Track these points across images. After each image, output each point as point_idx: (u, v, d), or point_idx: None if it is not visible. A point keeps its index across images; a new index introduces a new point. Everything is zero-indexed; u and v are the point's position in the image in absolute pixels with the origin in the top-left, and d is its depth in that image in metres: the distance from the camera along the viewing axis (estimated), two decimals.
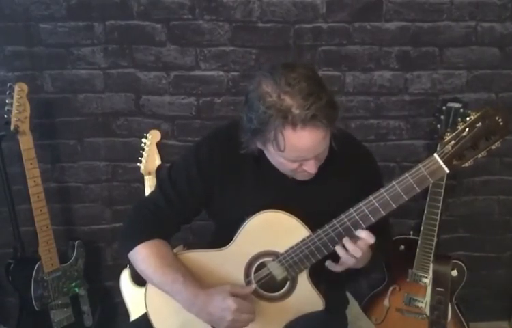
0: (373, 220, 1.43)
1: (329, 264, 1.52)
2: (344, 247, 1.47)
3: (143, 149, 2.43)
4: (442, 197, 2.29)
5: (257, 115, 1.37)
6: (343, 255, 1.47)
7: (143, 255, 1.58)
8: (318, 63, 2.42)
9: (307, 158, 1.43)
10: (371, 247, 1.50)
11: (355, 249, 1.45)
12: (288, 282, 1.58)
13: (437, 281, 2.34)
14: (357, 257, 1.46)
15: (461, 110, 2.20)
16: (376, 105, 2.52)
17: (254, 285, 1.59)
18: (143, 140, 2.44)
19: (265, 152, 1.51)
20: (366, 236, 1.45)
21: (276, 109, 1.33)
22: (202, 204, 1.68)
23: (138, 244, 1.58)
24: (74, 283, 2.46)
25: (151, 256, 1.57)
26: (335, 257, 1.53)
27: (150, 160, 2.42)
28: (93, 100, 2.48)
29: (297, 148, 1.38)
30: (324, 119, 1.34)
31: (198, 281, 1.58)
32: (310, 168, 1.45)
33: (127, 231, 1.66)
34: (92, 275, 2.58)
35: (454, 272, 2.36)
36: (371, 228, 1.46)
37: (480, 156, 1.37)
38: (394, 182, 1.40)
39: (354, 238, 1.46)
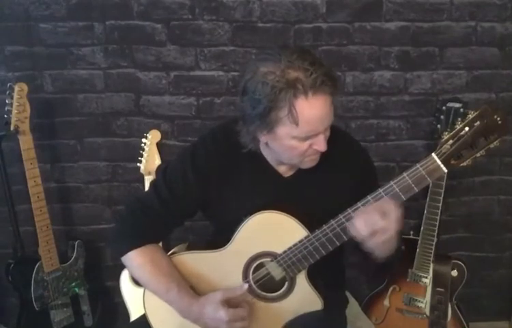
0: None
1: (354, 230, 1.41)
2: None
3: (143, 149, 2.42)
4: (442, 197, 2.28)
5: (265, 94, 1.36)
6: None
7: (137, 262, 1.59)
8: None
9: (318, 132, 1.42)
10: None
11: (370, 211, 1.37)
12: (286, 282, 1.58)
13: (437, 281, 2.34)
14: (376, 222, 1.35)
15: (461, 110, 2.19)
16: (376, 105, 2.52)
17: (246, 286, 1.58)
18: (143, 140, 2.43)
19: (271, 142, 1.48)
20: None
21: (283, 83, 1.34)
22: (198, 206, 1.67)
23: (132, 250, 1.58)
24: (74, 283, 2.46)
25: (146, 264, 1.58)
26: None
27: (150, 160, 2.42)
28: (93, 100, 2.48)
29: (310, 119, 1.37)
30: (331, 82, 1.36)
31: (196, 283, 1.59)
32: (320, 145, 1.44)
33: (120, 234, 1.64)
34: (92, 275, 2.58)
35: (455, 272, 2.35)
36: None
37: (478, 155, 1.36)
38: (392, 182, 1.39)
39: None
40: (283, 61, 1.35)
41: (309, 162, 1.51)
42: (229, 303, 1.54)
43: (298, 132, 1.40)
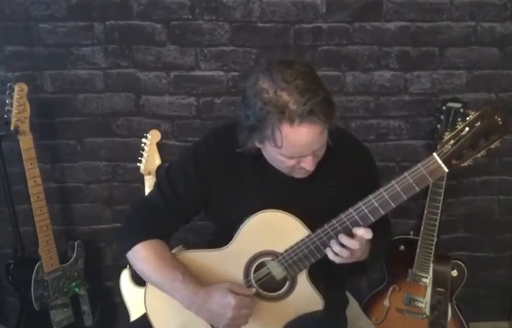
0: (372, 219, 1.43)
1: (330, 255, 1.48)
2: (341, 244, 1.45)
3: (143, 149, 2.42)
4: (442, 197, 2.29)
5: (254, 112, 1.37)
6: (339, 251, 1.45)
7: (141, 255, 1.58)
8: (318, 63, 2.42)
9: (304, 155, 1.43)
10: (370, 240, 1.49)
11: (352, 242, 1.43)
12: (287, 282, 1.58)
13: (437, 281, 2.34)
14: (354, 250, 1.44)
15: (461, 110, 2.20)
16: (376, 105, 2.52)
17: (254, 289, 1.58)
18: (143, 140, 2.43)
19: (263, 150, 1.51)
20: (363, 233, 1.43)
21: (272, 105, 1.34)
22: (201, 205, 1.67)
23: (137, 244, 1.58)
24: (74, 283, 2.46)
25: (150, 256, 1.57)
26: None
27: (150, 160, 2.42)
28: (93, 100, 2.48)
29: (295, 144, 1.38)
30: (321, 115, 1.34)
31: (198, 280, 1.58)
32: (308, 165, 1.45)
33: (125, 231, 1.65)
34: (92, 275, 2.58)
35: (455, 272, 2.36)
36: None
37: (479, 155, 1.36)
38: (393, 182, 1.40)
39: (350, 235, 1.45)
40: (279, 80, 1.35)
41: (299, 175, 1.52)
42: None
43: (283, 151, 1.41)
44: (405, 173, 1.39)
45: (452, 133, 1.36)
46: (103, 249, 2.71)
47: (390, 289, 2.44)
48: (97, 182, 2.60)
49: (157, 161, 2.43)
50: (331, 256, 1.48)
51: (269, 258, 1.56)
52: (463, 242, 2.74)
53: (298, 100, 1.32)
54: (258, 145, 1.49)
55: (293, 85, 1.34)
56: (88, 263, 2.52)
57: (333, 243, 1.46)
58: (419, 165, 1.38)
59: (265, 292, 1.60)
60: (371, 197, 1.41)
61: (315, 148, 1.43)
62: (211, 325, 1.60)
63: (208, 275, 1.60)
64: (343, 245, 1.45)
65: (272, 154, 1.46)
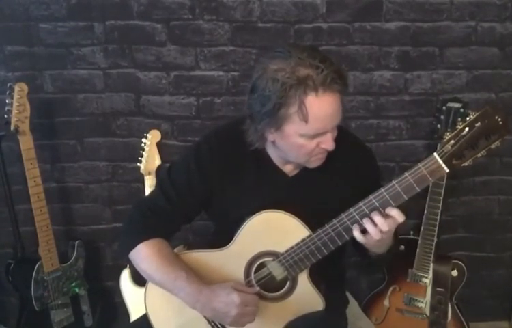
0: None
1: (356, 233, 1.43)
2: (373, 221, 1.41)
3: (143, 149, 2.42)
4: (442, 197, 2.28)
5: (275, 91, 1.36)
6: (371, 230, 1.41)
7: (144, 254, 1.58)
8: None
9: (327, 130, 1.43)
10: (394, 233, 1.48)
11: (383, 223, 1.39)
12: (288, 282, 1.58)
13: (437, 281, 2.34)
14: (384, 232, 1.40)
15: (461, 110, 2.20)
16: (376, 105, 2.52)
17: (256, 289, 1.58)
18: (143, 140, 2.43)
19: (279, 139, 1.49)
20: (396, 214, 1.40)
21: (294, 79, 1.35)
22: (202, 204, 1.67)
23: (139, 243, 1.58)
24: (74, 283, 2.46)
25: (153, 255, 1.57)
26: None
27: (150, 160, 2.42)
28: (93, 100, 2.48)
29: (320, 116, 1.38)
30: (340, 80, 1.37)
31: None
32: (329, 143, 1.45)
33: (127, 231, 1.65)
34: (92, 275, 2.58)
35: (455, 272, 2.36)
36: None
37: (479, 155, 1.36)
38: (394, 182, 1.40)
39: (383, 215, 1.41)
40: (293, 58, 1.36)
41: (316, 162, 1.52)
42: None
43: (307, 129, 1.40)
44: (406, 173, 1.39)
45: (453, 133, 1.36)
46: (103, 249, 2.71)
47: (390, 289, 2.44)
48: (97, 182, 2.60)
49: (157, 161, 2.43)
50: (357, 235, 1.43)
51: (269, 259, 1.56)
52: (463, 242, 2.74)
53: (317, 70, 1.34)
54: (274, 134, 1.47)
55: (308, 58, 1.35)
56: (88, 263, 2.52)
57: (365, 221, 1.41)
58: (420, 164, 1.38)
59: (265, 293, 1.60)
60: (371, 197, 1.41)
61: (336, 122, 1.45)
62: (213, 325, 1.60)
63: (209, 276, 1.60)
64: (374, 224, 1.41)
65: (291, 139, 1.45)
